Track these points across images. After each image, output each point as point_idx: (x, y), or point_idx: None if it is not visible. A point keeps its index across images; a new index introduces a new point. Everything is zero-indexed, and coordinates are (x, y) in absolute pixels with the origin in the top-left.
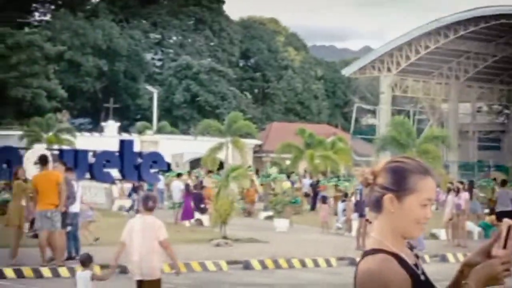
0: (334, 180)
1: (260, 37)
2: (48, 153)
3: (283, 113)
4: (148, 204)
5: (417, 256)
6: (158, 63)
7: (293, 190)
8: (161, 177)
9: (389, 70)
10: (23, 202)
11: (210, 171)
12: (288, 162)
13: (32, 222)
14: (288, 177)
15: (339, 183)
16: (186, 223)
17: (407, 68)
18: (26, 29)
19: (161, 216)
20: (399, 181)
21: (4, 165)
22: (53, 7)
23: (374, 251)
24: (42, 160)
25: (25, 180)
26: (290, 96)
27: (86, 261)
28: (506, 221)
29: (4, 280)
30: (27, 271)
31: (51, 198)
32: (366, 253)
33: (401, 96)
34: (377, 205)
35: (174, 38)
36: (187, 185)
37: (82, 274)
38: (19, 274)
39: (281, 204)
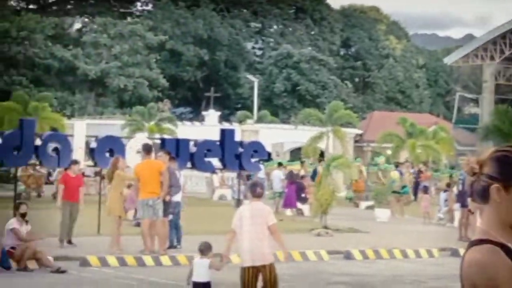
0: (448, 171)
1: (361, 26)
2: (150, 142)
3: (384, 102)
4: (256, 191)
5: None
6: (259, 52)
7: (402, 179)
8: (261, 166)
9: (492, 58)
10: (123, 192)
11: (321, 160)
12: (389, 152)
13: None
14: (397, 166)
15: (453, 173)
16: (288, 211)
17: (511, 56)
18: (129, 19)
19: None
20: (507, 170)
21: (107, 154)
22: None
23: (480, 242)
24: (146, 149)
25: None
26: (391, 85)
27: (205, 250)
28: None
29: (107, 268)
30: (129, 259)
31: (152, 187)
32: (472, 244)
33: (504, 85)
34: (484, 195)
35: (275, 27)
36: (290, 174)
37: (200, 262)
38: (122, 262)
39: (384, 194)
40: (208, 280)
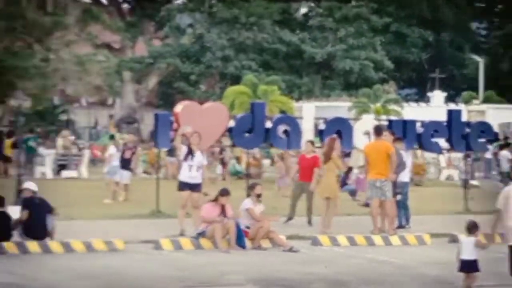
0: None
1: None
2: (379, 124)
3: None
4: None
5: None
6: (484, 32)
7: None
8: (489, 146)
9: None
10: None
11: None
12: None
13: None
14: None
15: None
16: None
17: None
18: (353, 3)
19: (490, 185)
20: None
21: (334, 135)
22: None
23: None
24: (377, 131)
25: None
26: None
27: (472, 228)
28: None
29: (338, 247)
30: (359, 238)
31: (380, 168)
32: None
33: None
34: None
35: (500, 6)
36: None
37: (467, 240)
38: (352, 241)
39: None
40: (475, 258)
